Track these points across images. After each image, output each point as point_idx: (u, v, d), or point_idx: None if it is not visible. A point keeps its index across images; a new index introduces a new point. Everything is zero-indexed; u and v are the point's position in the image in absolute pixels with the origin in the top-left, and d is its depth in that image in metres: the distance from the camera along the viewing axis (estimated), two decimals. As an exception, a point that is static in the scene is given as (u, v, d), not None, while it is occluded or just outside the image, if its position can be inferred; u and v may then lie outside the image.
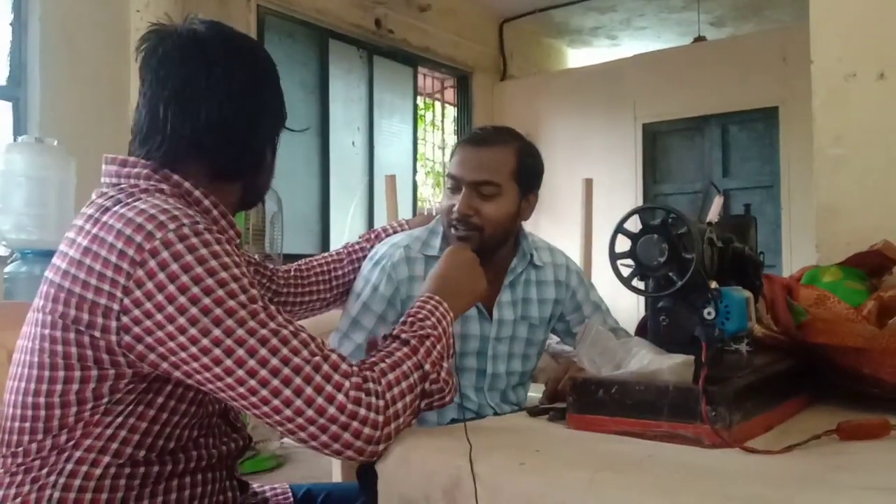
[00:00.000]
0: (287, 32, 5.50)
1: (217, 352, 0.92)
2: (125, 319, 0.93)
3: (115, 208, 0.99)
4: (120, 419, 0.99)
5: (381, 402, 0.96)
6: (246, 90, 1.10)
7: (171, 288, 0.92)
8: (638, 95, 6.60)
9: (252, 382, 0.92)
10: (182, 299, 0.92)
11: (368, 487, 1.01)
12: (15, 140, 3.39)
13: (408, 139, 6.63)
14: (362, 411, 0.94)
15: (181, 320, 0.92)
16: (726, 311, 1.05)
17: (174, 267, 0.92)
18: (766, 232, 5.73)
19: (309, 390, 0.93)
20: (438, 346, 1.08)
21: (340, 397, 0.93)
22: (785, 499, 0.75)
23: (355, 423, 0.93)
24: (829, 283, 1.34)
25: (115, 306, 0.93)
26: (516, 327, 1.67)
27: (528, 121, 6.96)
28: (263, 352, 0.92)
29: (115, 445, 0.99)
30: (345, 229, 5.82)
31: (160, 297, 0.92)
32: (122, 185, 1.05)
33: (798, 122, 5.47)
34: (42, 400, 0.98)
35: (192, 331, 0.92)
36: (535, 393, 1.75)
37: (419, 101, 6.85)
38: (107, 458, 0.98)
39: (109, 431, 0.98)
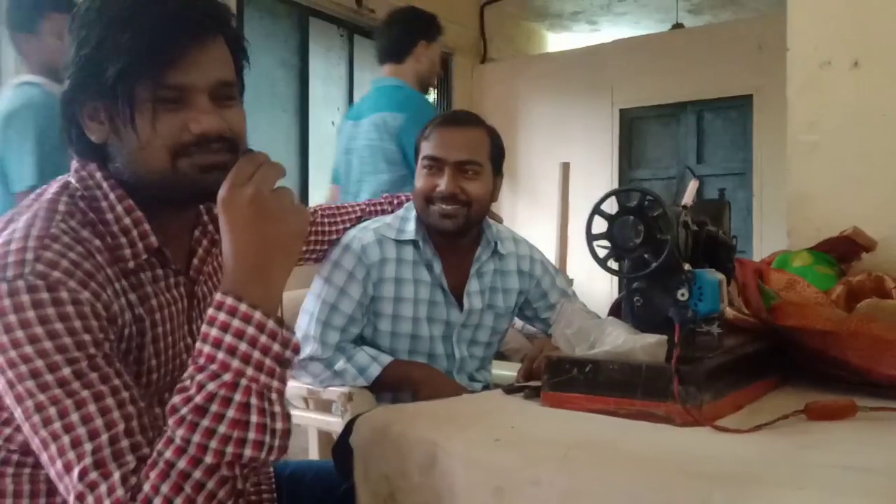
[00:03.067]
0: (267, 10, 5.43)
1: (26, 428, 0.84)
2: None
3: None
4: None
5: None
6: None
7: None
8: (616, 81, 6.61)
9: (44, 457, 0.84)
10: (0, 359, 0.85)
11: (344, 465, 1.01)
12: None
13: (386, 120, 6.58)
14: None
15: (2, 380, 0.85)
16: (699, 293, 1.07)
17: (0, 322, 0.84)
18: (738, 218, 5.79)
19: None
20: (231, 410, 0.82)
21: None
22: (754, 476, 0.77)
23: None
24: (799, 267, 1.36)
25: None
26: (483, 316, 1.69)
27: (508, 104, 6.96)
28: (53, 449, 0.82)
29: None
30: (322, 209, 5.79)
31: None
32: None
33: (771, 111, 5.51)
34: None
35: (11, 395, 0.85)
36: (510, 371, 1.77)
37: (398, 81, 6.80)
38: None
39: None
